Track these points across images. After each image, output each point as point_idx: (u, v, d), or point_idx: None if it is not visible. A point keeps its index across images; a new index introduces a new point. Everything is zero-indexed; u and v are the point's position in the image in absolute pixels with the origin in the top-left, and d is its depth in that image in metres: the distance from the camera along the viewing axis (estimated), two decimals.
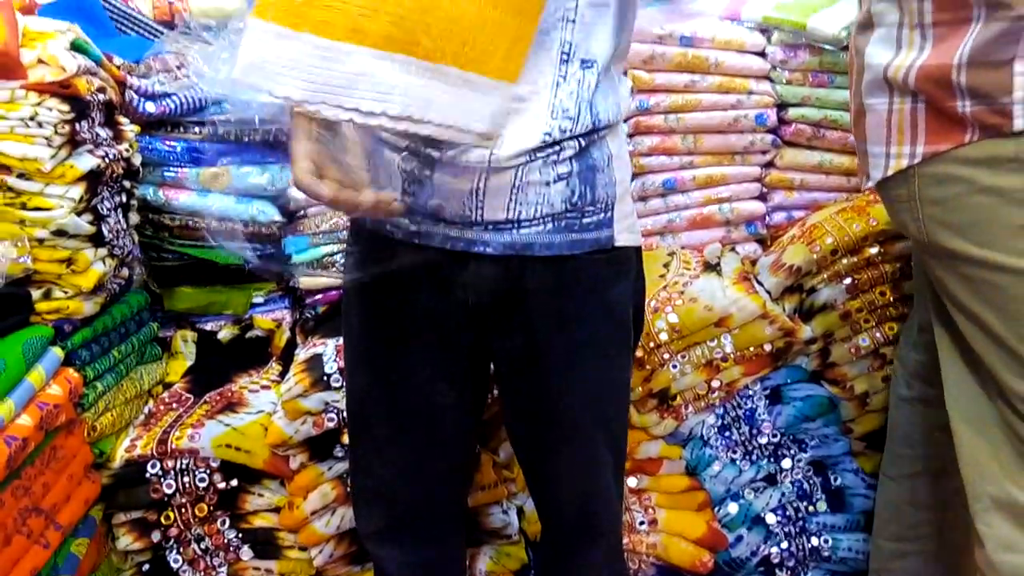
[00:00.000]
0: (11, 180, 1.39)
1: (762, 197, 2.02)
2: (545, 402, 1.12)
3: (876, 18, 1.23)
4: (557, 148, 0.98)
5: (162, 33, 1.98)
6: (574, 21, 0.95)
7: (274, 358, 1.87)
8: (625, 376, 1.17)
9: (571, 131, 0.98)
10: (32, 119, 1.38)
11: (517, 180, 0.98)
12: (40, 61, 1.41)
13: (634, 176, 1.93)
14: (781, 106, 1.95)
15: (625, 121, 1.86)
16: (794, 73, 1.90)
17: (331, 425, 1.55)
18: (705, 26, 1.88)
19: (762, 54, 1.91)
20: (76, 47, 1.49)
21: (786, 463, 1.76)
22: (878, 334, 1.73)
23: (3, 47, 1.34)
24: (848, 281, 1.72)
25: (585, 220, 1.03)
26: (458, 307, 1.08)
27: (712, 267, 1.82)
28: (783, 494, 1.77)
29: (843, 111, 1.91)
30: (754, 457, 1.75)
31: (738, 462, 1.74)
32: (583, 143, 1.00)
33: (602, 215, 1.04)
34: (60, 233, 1.43)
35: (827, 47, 1.85)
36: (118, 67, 1.71)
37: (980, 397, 1.25)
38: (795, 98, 1.92)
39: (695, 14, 1.98)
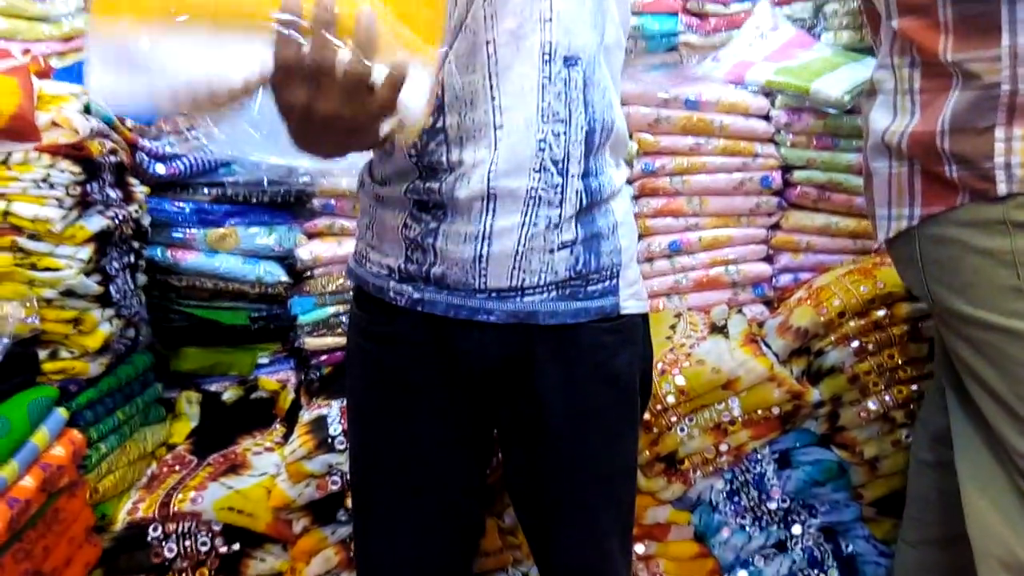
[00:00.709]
0: (22, 241, 1.40)
1: (768, 259, 2.03)
2: (549, 470, 1.11)
3: (877, 85, 1.28)
4: (559, 214, 0.98)
5: None
6: (551, 19, 0.94)
7: (278, 419, 1.86)
8: (630, 444, 1.16)
9: (565, 134, 0.96)
10: (44, 180, 1.39)
11: (520, 247, 0.98)
12: (54, 124, 1.43)
13: (640, 237, 1.94)
14: (786, 168, 1.96)
15: (631, 183, 1.88)
16: (798, 136, 1.92)
17: (335, 488, 1.53)
18: (710, 90, 1.91)
19: (766, 117, 1.93)
20: (90, 110, 1.52)
21: (796, 529, 1.74)
22: (887, 397, 1.72)
23: (18, 111, 1.36)
24: (856, 344, 1.72)
25: (590, 288, 1.02)
26: (462, 375, 1.07)
27: (719, 329, 1.81)
28: (794, 561, 1.74)
29: (848, 174, 1.92)
30: (764, 523, 1.72)
31: (748, 528, 1.72)
32: (585, 205, 1.00)
33: (607, 283, 1.04)
34: (68, 293, 1.43)
35: (831, 111, 1.86)
36: (130, 129, 1.73)
37: (987, 457, 1.25)
38: (800, 161, 1.94)
39: (700, 78, 2.01)
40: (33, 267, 1.41)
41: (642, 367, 1.13)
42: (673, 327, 1.84)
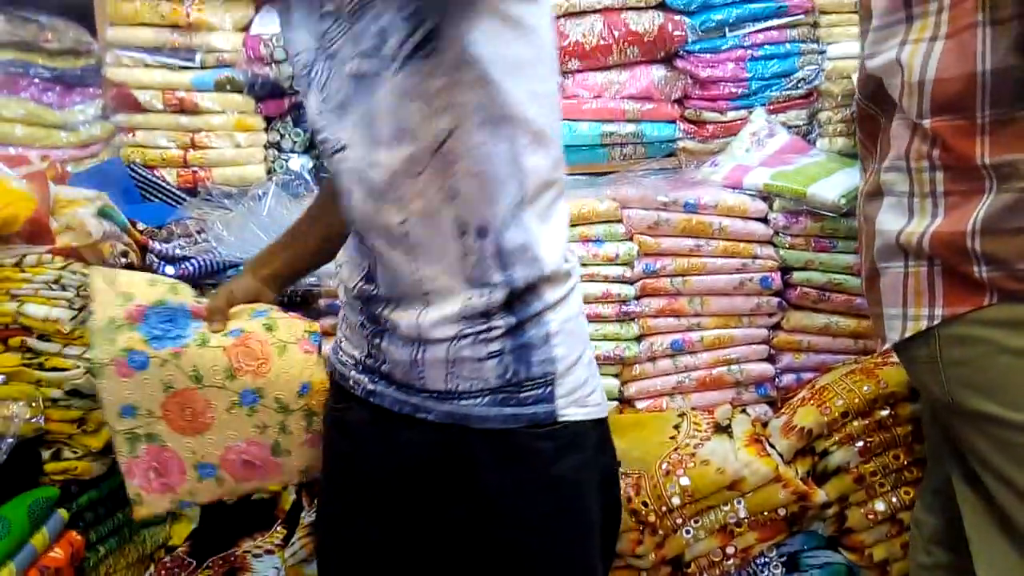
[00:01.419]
0: (31, 341, 1.42)
1: (771, 359, 2.03)
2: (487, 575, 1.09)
3: (885, 187, 1.27)
4: (487, 325, 1.00)
5: (184, 200, 2.05)
6: (454, 198, 0.97)
7: (279, 521, 1.84)
8: (578, 557, 1.10)
9: (490, 301, 0.99)
10: (56, 282, 1.42)
11: (450, 355, 1.01)
12: (68, 227, 1.46)
13: (642, 337, 1.95)
14: (785, 270, 1.99)
15: (632, 284, 1.91)
16: (797, 238, 1.95)
17: None
18: (708, 193, 1.95)
19: (765, 220, 1.96)
20: (103, 214, 1.55)
21: None
22: (894, 499, 1.70)
23: (34, 215, 1.40)
24: (860, 444, 1.71)
25: (523, 395, 1.02)
26: (405, 469, 1.09)
27: (723, 429, 1.81)
28: None
29: (847, 275, 1.95)
30: None
31: None
32: (513, 322, 1.00)
33: (540, 391, 1.02)
34: (74, 393, 1.44)
35: (827, 213, 1.90)
36: (141, 232, 1.77)
37: (1013, 560, 1.21)
38: (799, 262, 1.97)
39: (698, 182, 2.05)
40: (40, 367, 1.42)
41: (598, 474, 1.09)
42: (677, 427, 1.84)
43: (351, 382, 1.13)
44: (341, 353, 1.16)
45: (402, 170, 0.97)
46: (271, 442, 1.22)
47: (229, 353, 1.17)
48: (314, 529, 1.25)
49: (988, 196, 1.13)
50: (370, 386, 1.10)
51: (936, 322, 1.20)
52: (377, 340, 1.07)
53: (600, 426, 1.10)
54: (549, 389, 1.03)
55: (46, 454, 1.45)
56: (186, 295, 1.27)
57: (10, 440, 1.36)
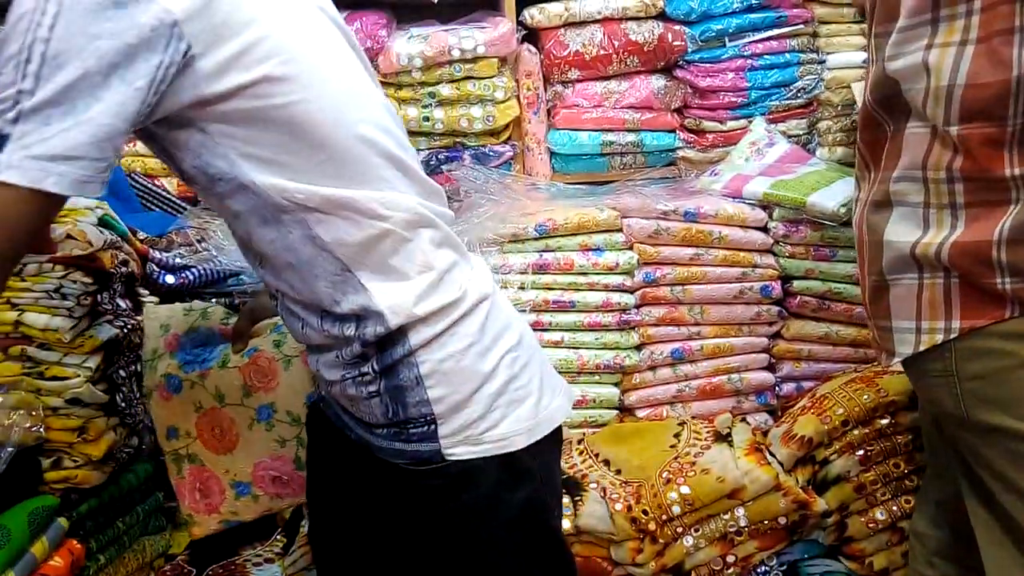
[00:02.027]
0: (32, 350, 1.42)
1: (771, 368, 2.04)
2: None
3: (895, 198, 1.24)
4: (362, 369, 1.01)
5: (185, 209, 2.06)
6: (281, 283, 1.01)
7: (279, 530, 1.84)
8: None
9: (354, 352, 1.00)
10: (57, 291, 1.42)
11: (344, 392, 1.04)
12: (69, 236, 1.46)
13: (643, 346, 1.96)
14: (785, 279, 1.99)
15: (632, 292, 1.91)
16: (796, 247, 1.96)
17: None
18: (708, 202, 1.95)
19: (764, 229, 1.97)
20: (104, 223, 1.56)
21: None
22: (895, 507, 1.70)
23: None
24: (861, 453, 1.71)
25: (410, 431, 1.01)
26: (343, 479, 1.12)
27: (723, 438, 1.81)
28: None
29: (847, 283, 1.95)
30: None
31: None
32: (378, 367, 1.00)
33: (423, 428, 1.01)
34: (74, 402, 1.44)
35: (827, 223, 1.90)
36: (141, 241, 1.77)
37: None
38: (799, 271, 1.97)
39: (698, 192, 2.06)
40: (41, 376, 1.42)
41: (505, 511, 1.05)
42: (677, 436, 1.84)
43: (322, 391, 1.17)
44: None
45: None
46: (292, 456, 1.25)
47: (243, 372, 1.22)
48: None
49: (1015, 207, 1.11)
50: (324, 394, 1.14)
51: (953, 335, 1.17)
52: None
53: (507, 462, 1.04)
54: (432, 428, 1.00)
55: (46, 463, 1.44)
56: (216, 318, 1.32)
57: (10, 449, 1.35)
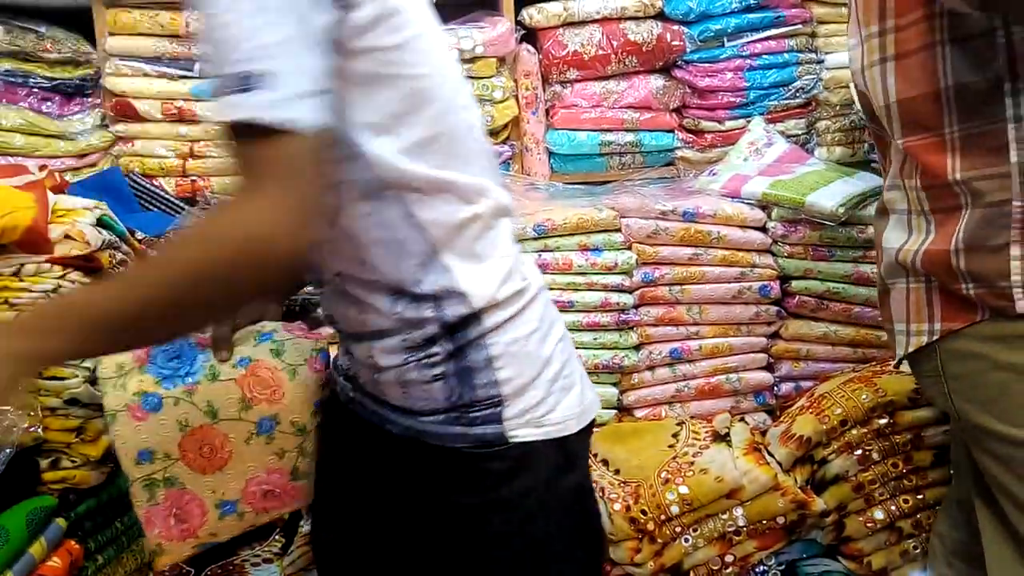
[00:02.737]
0: None
1: (769, 367, 2.04)
2: None
3: (889, 205, 1.28)
4: (429, 351, 1.00)
5: (183, 209, 2.05)
6: (363, 263, 0.98)
7: (277, 530, 1.84)
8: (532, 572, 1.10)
9: (426, 334, 0.99)
10: (55, 291, 1.42)
11: (401, 379, 1.02)
12: (67, 236, 1.46)
13: (641, 346, 1.96)
14: (784, 279, 1.99)
15: (631, 292, 1.91)
16: (795, 247, 1.96)
17: None
18: (707, 202, 1.95)
19: (763, 229, 1.97)
20: (102, 223, 1.55)
21: None
22: (893, 507, 1.70)
23: (32, 224, 1.39)
24: (859, 452, 1.71)
25: (471, 415, 1.02)
26: (378, 476, 1.10)
27: (722, 438, 1.81)
28: None
29: (845, 283, 1.95)
30: None
31: None
32: (451, 348, 1.00)
33: (488, 411, 1.02)
34: (73, 402, 1.44)
35: (826, 222, 1.90)
36: (140, 241, 1.77)
37: (1020, 573, 1.21)
38: (797, 271, 1.97)
39: (697, 192, 2.06)
40: (39, 376, 1.42)
41: (559, 495, 1.08)
42: (675, 436, 1.84)
43: (338, 387, 1.15)
44: (338, 358, 1.18)
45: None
46: (290, 467, 1.22)
47: (241, 384, 1.17)
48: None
49: (966, 213, 1.14)
50: (350, 393, 1.11)
51: (935, 337, 1.21)
52: (348, 353, 1.10)
53: (562, 445, 1.06)
54: (497, 410, 1.02)
55: (44, 463, 1.44)
56: None
57: (8, 450, 1.35)
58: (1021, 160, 1.09)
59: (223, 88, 0.77)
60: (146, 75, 2.05)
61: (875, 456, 1.71)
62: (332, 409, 1.18)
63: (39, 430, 1.40)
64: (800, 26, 2.15)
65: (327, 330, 1.84)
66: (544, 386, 1.04)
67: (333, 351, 1.25)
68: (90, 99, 2.12)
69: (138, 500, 1.19)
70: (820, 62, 2.18)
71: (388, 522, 1.11)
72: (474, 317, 1.00)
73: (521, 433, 1.03)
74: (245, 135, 0.79)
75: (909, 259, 1.21)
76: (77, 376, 1.43)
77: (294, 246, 0.81)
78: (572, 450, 1.09)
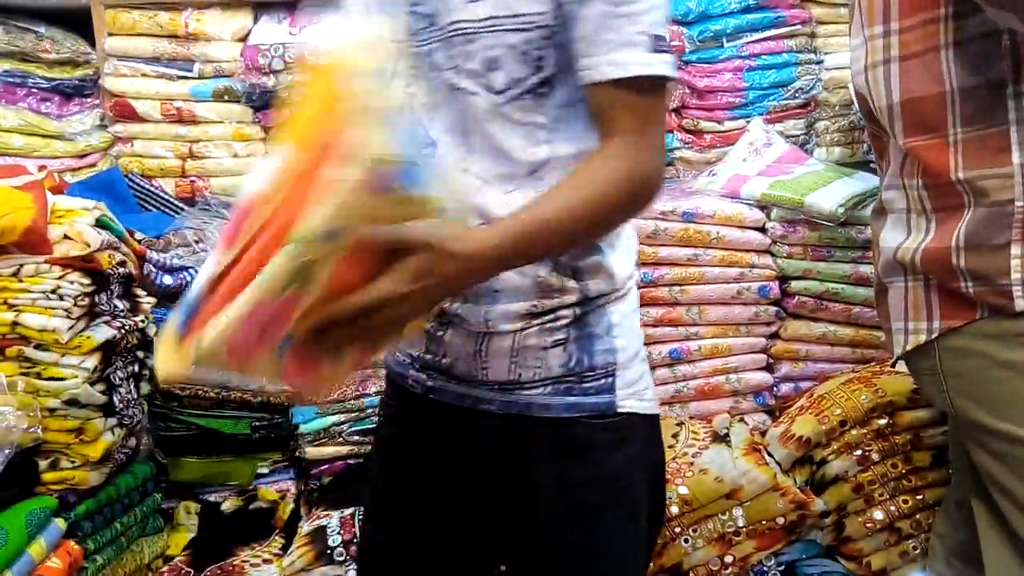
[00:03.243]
0: (29, 351, 1.42)
1: (769, 368, 2.04)
2: (540, 567, 1.09)
3: (887, 205, 1.29)
4: (553, 316, 1.01)
5: (183, 210, 2.05)
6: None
7: (277, 530, 1.84)
8: (626, 549, 1.12)
9: (560, 302, 1.01)
10: (54, 292, 1.42)
11: (516, 344, 1.02)
12: (66, 237, 1.46)
13: None
14: (783, 279, 1.99)
15: None
16: (794, 247, 1.96)
17: None
18: (706, 203, 1.95)
19: (762, 229, 1.97)
20: (101, 224, 1.55)
21: None
22: (892, 507, 1.70)
23: (31, 224, 1.40)
24: (859, 453, 1.71)
25: (584, 385, 1.03)
26: (466, 463, 1.09)
27: (721, 438, 1.81)
28: None
29: (844, 284, 1.95)
30: None
31: None
32: (579, 312, 1.02)
33: (602, 381, 1.04)
34: (72, 403, 1.44)
35: (825, 223, 1.90)
36: (139, 241, 1.77)
37: (1016, 571, 1.21)
38: (796, 271, 1.97)
39: (696, 192, 2.06)
40: (39, 376, 1.42)
41: (648, 469, 1.11)
42: (675, 436, 1.84)
43: (410, 381, 1.12)
44: (397, 353, 1.16)
45: (493, 183, 0.99)
46: None
47: None
48: (361, 527, 1.23)
49: (968, 211, 1.14)
50: (429, 383, 1.10)
51: (934, 335, 1.21)
52: (440, 333, 1.07)
53: (653, 422, 1.10)
54: (611, 380, 1.04)
55: (44, 464, 1.44)
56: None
57: (7, 451, 1.35)
58: (1022, 162, 1.09)
59: (644, 47, 0.90)
60: (145, 75, 2.05)
61: (874, 457, 1.71)
62: (401, 406, 1.16)
63: (38, 431, 1.40)
64: (799, 27, 2.15)
65: None
66: (641, 362, 1.09)
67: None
68: (89, 99, 2.12)
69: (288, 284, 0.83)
70: (819, 63, 2.18)
71: (478, 508, 1.10)
72: (610, 292, 1.03)
73: (628, 404, 1.05)
74: (647, 89, 0.92)
75: (908, 257, 1.22)
76: (77, 377, 1.43)
77: (662, 184, 0.96)
78: (658, 429, 1.12)
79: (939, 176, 1.16)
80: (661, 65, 0.90)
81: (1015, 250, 1.10)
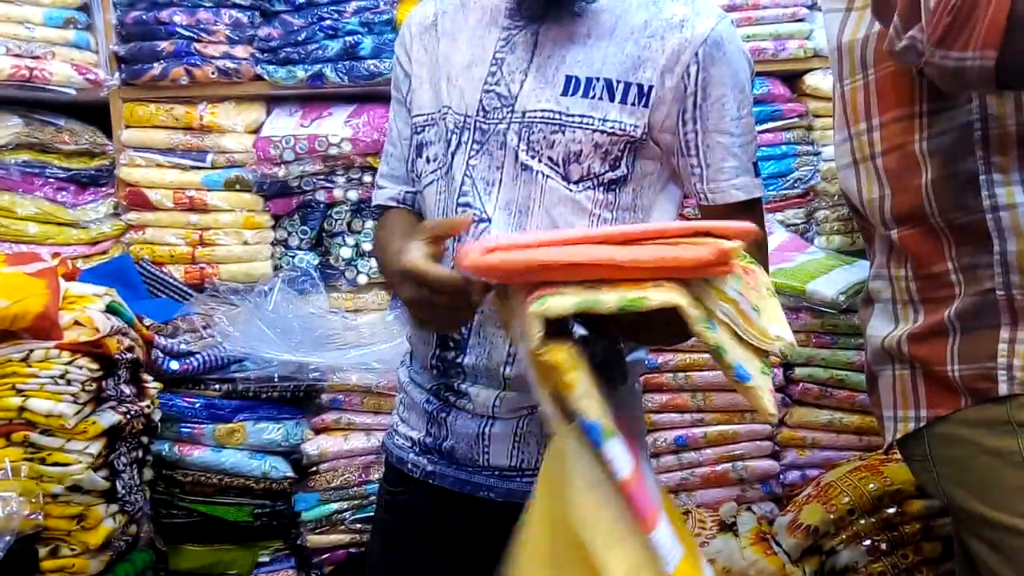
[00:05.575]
0: (34, 436, 1.42)
1: (775, 455, 2.02)
2: None
3: (874, 295, 1.30)
4: None
5: (191, 295, 2.08)
6: None
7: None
8: None
9: None
10: (62, 377, 1.43)
11: (519, 429, 1.04)
12: (76, 322, 1.48)
13: (646, 432, 1.95)
14: (787, 366, 1.99)
15: None
16: (797, 334, 1.96)
17: None
18: None
19: None
20: (111, 309, 1.58)
21: None
22: None
23: (43, 311, 1.42)
24: (868, 542, 1.68)
25: None
26: (464, 549, 1.09)
27: (728, 527, 1.78)
28: None
29: (848, 371, 1.95)
30: None
31: None
32: None
33: None
34: (75, 489, 1.43)
35: (827, 310, 1.92)
36: (147, 327, 1.79)
37: None
38: (800, 358, 1.97)
39: None
40: (43, 462, 1.42)
41: None
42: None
43: (409, 465, 1.13)
44: (397, 436, 1.18)
45: None
46: None
47: None
48: None
49: (957, 300, 1.16)
50: (429, 467, 1.11)
51: (922, 423, 1.22)
52: (443, 415, 1.09)
53: None
54: None
55: (43, 551, 1.43)
56: None
57: (8, 538, 1.34)
58: (1001, 250, 1.12)
59: (754, 172, 1.10)
60: (160, 165, 2.10)
61: (884, 547, 1.68)
62: (399, 491, 1.16)
63: (40, 517, 1.39)
64: (796, 119, 2.20)
65: (330, 416, 1.85)
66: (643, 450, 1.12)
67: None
68: (104, 188, 2.16)
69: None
70: (817, 154, 2.22)
71: None
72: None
73: None
74: (754, 205, 1.09)
75: (895, 344, 1.23)
76: (81, 462, 1.43)
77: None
78: None
79: (929, 266, 1.18)
80: (762, 186, 1.10)
81: (1003, 334, 1.12)
